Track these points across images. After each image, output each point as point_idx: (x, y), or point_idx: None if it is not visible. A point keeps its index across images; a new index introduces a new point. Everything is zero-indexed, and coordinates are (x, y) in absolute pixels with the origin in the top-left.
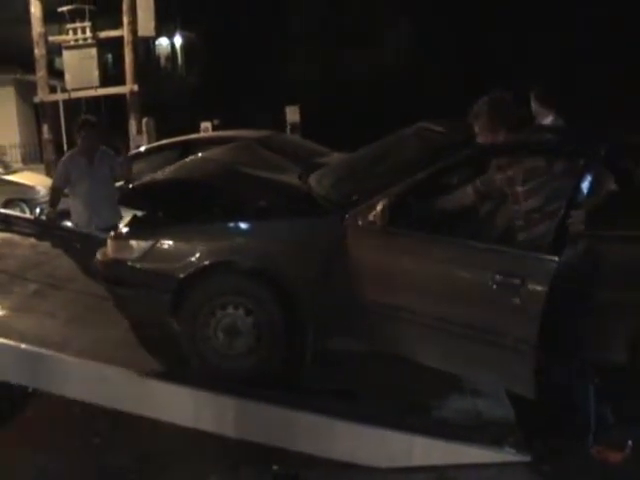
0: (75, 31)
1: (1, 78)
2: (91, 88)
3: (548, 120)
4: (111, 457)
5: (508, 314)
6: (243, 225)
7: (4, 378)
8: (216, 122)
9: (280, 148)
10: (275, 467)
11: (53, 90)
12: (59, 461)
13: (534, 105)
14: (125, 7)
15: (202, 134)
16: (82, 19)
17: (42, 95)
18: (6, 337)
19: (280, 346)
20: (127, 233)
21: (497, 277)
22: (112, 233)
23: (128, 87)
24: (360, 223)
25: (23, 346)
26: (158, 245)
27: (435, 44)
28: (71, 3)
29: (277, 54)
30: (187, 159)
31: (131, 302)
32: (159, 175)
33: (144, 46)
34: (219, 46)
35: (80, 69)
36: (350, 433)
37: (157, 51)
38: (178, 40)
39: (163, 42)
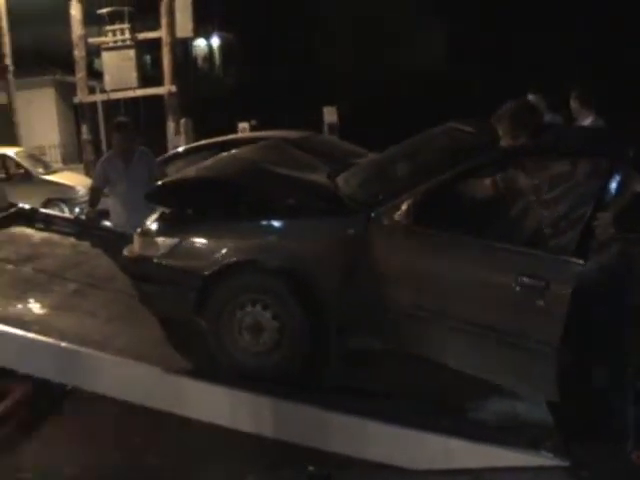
0: (114, 33)
1: (42, 79)
2: (130, 89)
3: (588, 121)
4: (150, 456)
5: (532, 316)
6: (269, 224)
7: (44, 376)
8: (254, 122)
9: (318, 149)
10: (310, 467)
11: (92, 91)
12: (98, 459)
13: (574, 105)
14: (163, 9)
15: (240, 134)
16: (121, 21)
17: (81, 96)
18: (46, 335)
19: (303, 344)
20: (154, 230)
21: (521, 279)
22: (139, 229)
23: (166, 88)
24: (385, 222)
25: (63, 344)
26: (184, 242)
27: (470, 43)
28: (110, 5)
29: (315, 54)
30: (216, 157)
31: (156, 299)
32: (187, 173)
33: (182, 47)
34: (256, 46)
35: (119, 70)
36: (387, 434)
37: (194, 52)
38: (215, 41)
39: (201, 43)
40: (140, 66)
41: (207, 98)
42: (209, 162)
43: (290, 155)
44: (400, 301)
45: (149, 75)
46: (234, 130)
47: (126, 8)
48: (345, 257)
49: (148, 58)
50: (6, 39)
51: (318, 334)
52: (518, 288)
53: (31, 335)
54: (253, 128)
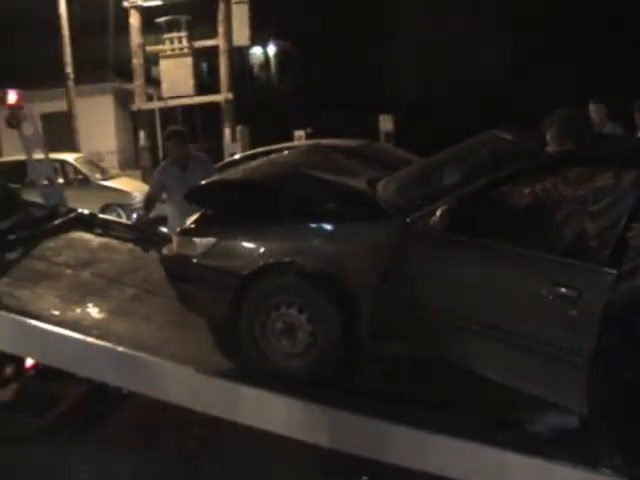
0: (172, 41)
1: (100, 86)
2: (187, 96)
3: None
4: (204, 461)
5: (564, 326)
6: (306, 227)
7: (101, 379)
8: (309, 130)
9: (374, 157)
10: (365, 477)
11: (150, 98)
12: (153, 462)
13: (637, 116)
14: (220, 17)
15: (296, 142)
16: (179, 29)
17: (139, 103)
18: (104, 339)
19: (336, 349)
20: (192, 230)
21: (554, 288)
22: (178, 229)
23: (223, 95)
24: (419, 228)
25: (120, 349)
26: (222, 242)
27: (535, 56)
28: (168, 14)
29: (370, 61)
30: (258, 161)
31: (194, 298)
32: (227, 175)
33: (238, 55)
34: (312, 54)
35: (176, 78)
36: (445, 446)
37: (251, 60)
38: (272, 49)
39: (257, 51)
40: (197, 74)
41: (263, 106)
42: (251, 165)
43: (331, 160)
44: (433, 308)
45: (205, 83)
46: (290, 138)
47: (183, 17)
48: (380, 262)
49: (204, 66)
50: (67, 48)
51: (351, 339)
52: (551, 297)
53: (90, 339)
54: (309, 136)
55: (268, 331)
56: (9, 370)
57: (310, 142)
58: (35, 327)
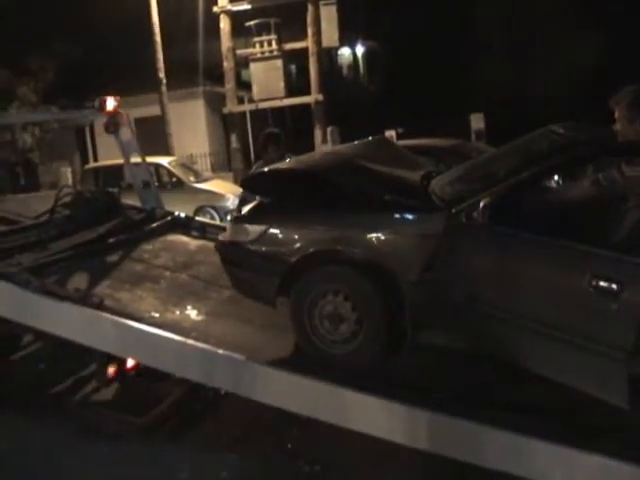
0: (262, 44)
1: (192, 91)
2: (277, 98)
3: None
4: (301, 463)
5: (605, 320)
6: (355, 216)
7: (201, 380)
8: (400, 130)
9: (468, 156)
10: None
11: (241, 101)
12: (250, 463)
13: None
14: (310, 19)
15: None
16: (268, 32)
17: (231, 106)
18: (203, 341)
19: (380, 337)
20: (245, 217)
21: (595, 281)
22: (234, 216)
23: (313, 97)
24: (463, 220)
25: (220, 351)
26: (273, 229)
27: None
28: (257, 17)
29: (460, 60)
30: (315, 152)
31: (245, 283)
32: (282, 164)
33: (326, 56)
34: (401, 54)
35: (266, 80)
36: (543, 452)
37: (339, 60)
38: (360, 49)
39: (345, 52)
40: (286, 76)
41: (353, 106)
42: (306, 155)
43: (392, 153)
44: (475, 300)
45: (294, 84)
46: None
47: (272, 19)
48: (425, 253)
49: (293, 68)
50: (160, 55)
51: (395, 328)
52: (592, 290)
53: (190, 341)
54: (400, 136)
55: (315, 318)
56: (111, 370)
57: (400, 142)
58: (137, 329)
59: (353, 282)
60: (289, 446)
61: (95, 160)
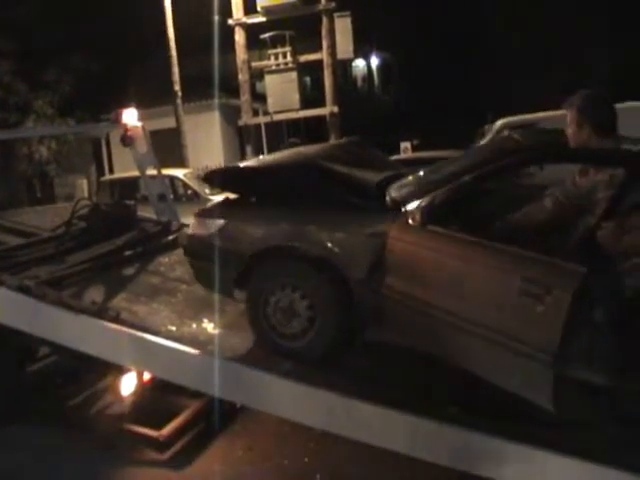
0: (276, 56)
1: (207, 103)
2: (292, 110)
3: None
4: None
5: (531, 321)
6: (309, 213)
7: (217, 394)
8: (415, 142)
9: None
10: None
11: (256, 113)
12: (266, 475)
13: None
14: (324, 31)
15: (402, 155)
16: (282, 44)
17: (246, 118)
18: (220, 355)
19: (332, 330)
20: (206, 211)
21: (523, 283)
22: (197, 210)
23: (328, 109)
24: (408, 221)
25: (236, 364)
26: (230, 224)
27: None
28: (272, 30)
29: (474, 72)
30: (281, 152)
31: (205, 275)
32: (247, 162)
33: (341, 68)
34: (415, 65)
35: (281, 92)
36: (560, 466)
37: (354, 72)
38: (374, 61)
39: (359, 63)
40: (301, 87)
41: (367, 118)
42: (274, 154)
43: (360, 155)
44: (411, 298)
45: (309, 96)
46: (396, 150)
47: (287, 32)
48: (372, 252)
49: (308, 79)
50: (175, 68)
51: (346, 325)
52: (519, 292)
53: (206, 355)
54: (415, 148)
55: (270, 311)
56: (127, 384)
57: (415, 154)
58: (153, 342)
59: (308, 278)
60: (306, 460)
61: (111, 172)
